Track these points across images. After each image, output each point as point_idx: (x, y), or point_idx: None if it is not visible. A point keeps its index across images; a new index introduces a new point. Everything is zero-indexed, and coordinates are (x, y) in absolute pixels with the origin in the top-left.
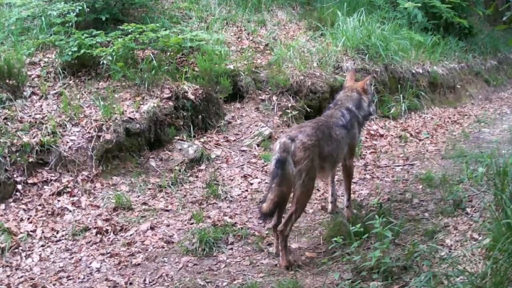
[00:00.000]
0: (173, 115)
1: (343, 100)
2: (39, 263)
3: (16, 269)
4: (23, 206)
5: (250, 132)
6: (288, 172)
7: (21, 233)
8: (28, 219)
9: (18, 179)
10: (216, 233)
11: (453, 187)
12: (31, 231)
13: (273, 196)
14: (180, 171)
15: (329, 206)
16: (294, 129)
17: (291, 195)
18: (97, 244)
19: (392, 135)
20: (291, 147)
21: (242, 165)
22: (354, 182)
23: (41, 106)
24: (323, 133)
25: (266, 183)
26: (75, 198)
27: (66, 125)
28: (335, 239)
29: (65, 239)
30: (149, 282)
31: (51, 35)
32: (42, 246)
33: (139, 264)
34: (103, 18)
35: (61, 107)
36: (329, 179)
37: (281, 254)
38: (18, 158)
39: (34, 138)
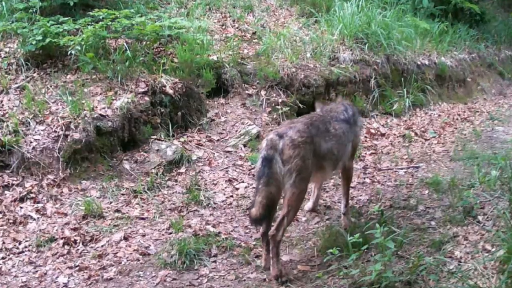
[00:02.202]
0: (150, 112)
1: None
2: None
3: None
4: None
5: (236, 130)
6: (276, 171)
7: None
8: None
9: None
10: (197, 244)
11: (463, 193)
12: None
13: (261, 199)
14: (157, 174)
15: (309, 203)
16: (284, 125)
17: (282, 197)
18: (64, 256)
19: (394, 134)
20: (279, 144)
21: (227, 167)
22: (352, 187)
23: (1, 101)
24: (317, 128)
25: (254, 187)
26: (40, 205)
27: (29, 123)
28: (331, 250)
29: (29, 250)
30: None
31: (12, 22)
32: (3, 258)
33: (111, 278)
34: (71, 3)
35: (24, 102)
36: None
37: (271, 262)
38: None
39: None
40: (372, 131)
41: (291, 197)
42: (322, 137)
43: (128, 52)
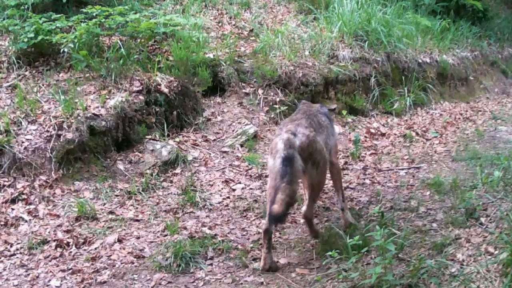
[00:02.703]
0: (144, 111)
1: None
2: None
3: None
4: None
5: (233, 130)
6: (298, 169)
7: None
8: None
9: None
10: (193, 246)
11: (465, 194)
12: None
13: (284, 196)
14: (152, 175)
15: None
16: (289, 123)
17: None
18: (57, 259)
19: (395, 134)
20: (296, 142)
21: (223, 168)
22: (352, 188)
23: None
24: (314, 122)
25: (251, 188)
26: (32, 206)
27: (21, 122)
28: (330, 253)
29: (20, 253)
30: None
31: (4, 19)
32: None
33: (105, 282)
34: (64, 0)
35: (16, 102)
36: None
37: (310, 231)
38: None
39: None
40: (372, 130)
41: (317, 185)
42: (318, 130)
43: (122, 50)
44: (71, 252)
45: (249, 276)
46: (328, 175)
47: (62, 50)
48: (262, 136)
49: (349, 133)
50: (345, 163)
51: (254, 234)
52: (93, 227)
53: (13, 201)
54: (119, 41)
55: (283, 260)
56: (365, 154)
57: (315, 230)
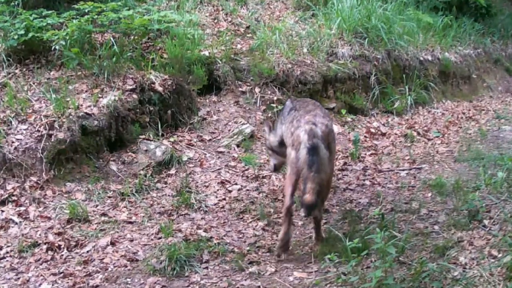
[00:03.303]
0: (138, 110)
1: None
2: None
3: None
4: None
5: (229, 130)
6: (323, 157)
7: None
8: None
9: None
10: (188, 249)
11: (468, 195)
12: None
13: (314, 185)
14: (145, 176)
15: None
16: (305, 115)
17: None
18: (48, 263)
19: (396, 134)
20: (318, 132)
21: (219, 169)
22: (351, 189)
23: None
24: (325, 112)
25: (248, 190)
26: (22, 208)
27: (11, 121)
28: (329, 256)
29: (10, 256)
30: None
31: None
32: None
33: (97, 286)
34: None
35: (6, 100)
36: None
37: (319, 230)
38: None
39: None
40: (372, 130)
41: (327, 181)
42: (329, 120)
43: (115, 47)
44: (62, 255)
45: (245, 280)
46: None
47: (53, 47)
48: (259, 136)
49: (349, 132)
50: (345, 163)
51: (251, 237)
52: (85, 229)
53: (3, 202)
54: (112, 38)
55: (281, 263)
56: (365, 154)
57: (322, 235)
